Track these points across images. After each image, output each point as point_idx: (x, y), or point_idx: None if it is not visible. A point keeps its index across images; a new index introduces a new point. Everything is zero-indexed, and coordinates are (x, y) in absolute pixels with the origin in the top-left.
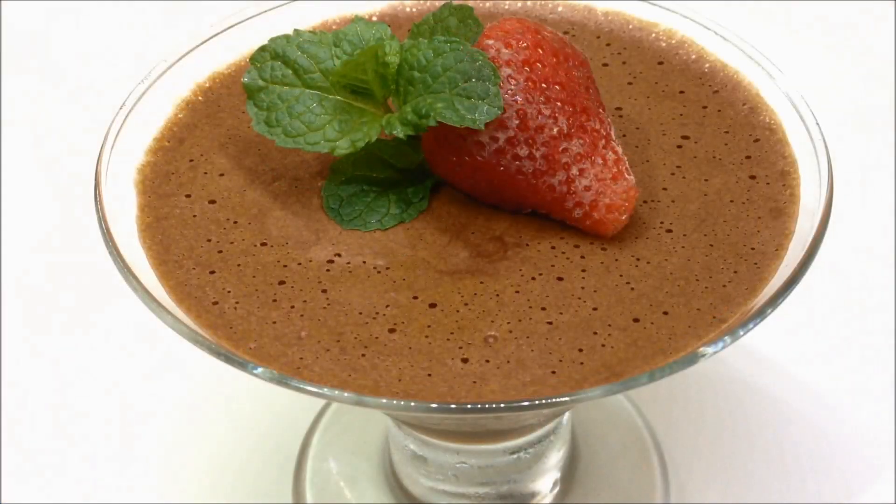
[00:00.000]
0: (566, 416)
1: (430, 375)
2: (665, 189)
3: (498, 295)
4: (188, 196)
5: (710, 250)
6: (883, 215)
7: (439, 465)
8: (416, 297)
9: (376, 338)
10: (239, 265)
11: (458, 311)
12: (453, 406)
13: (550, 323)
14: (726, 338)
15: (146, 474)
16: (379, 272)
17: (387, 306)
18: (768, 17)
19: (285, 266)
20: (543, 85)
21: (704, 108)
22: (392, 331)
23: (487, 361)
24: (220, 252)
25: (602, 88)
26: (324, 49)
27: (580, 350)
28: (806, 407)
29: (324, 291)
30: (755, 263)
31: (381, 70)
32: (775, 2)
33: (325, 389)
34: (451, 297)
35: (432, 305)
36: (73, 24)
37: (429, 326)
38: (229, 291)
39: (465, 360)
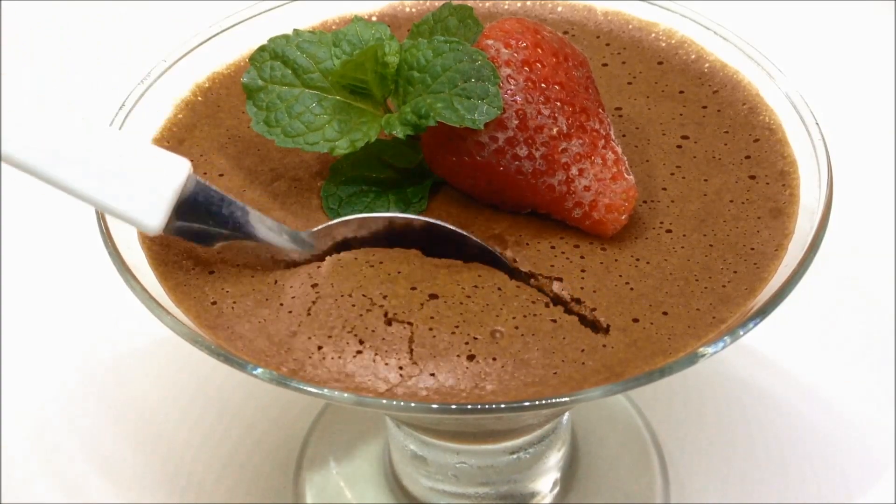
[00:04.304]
0: (566, 416)
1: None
2: (665, 189)
3: (499, 291)
4: None
5: (709, 250)
6: (883, 215)
7: (439, 465)
8: (414, 291)
9: (375, 334)
10: (238, 265)
11: (459, 308)
12: (453, 406)
13: (554, 321)
14: (726, 338)
15: (145, 474)
16: (379, 272)
17: (386, 300)
18: (768, 16)
19: (285, 266)
20: (543, 85)
21: (704, 108)
22: (390, 326)
23: (494, 360)
24: (220, 252)
25: (602, 88)
26: (323, 49)
27: (581, 350)
28: (806, 407)
29: (319, 291)
30: (755, 263)
31: (381, 70)
32: (775, 2)
33: (325, 390)
34: (453, 292)
35: (433, 296)
36: (72, 24)
37: (431, 320)
38: (228, 291)
39: (470, 358)
